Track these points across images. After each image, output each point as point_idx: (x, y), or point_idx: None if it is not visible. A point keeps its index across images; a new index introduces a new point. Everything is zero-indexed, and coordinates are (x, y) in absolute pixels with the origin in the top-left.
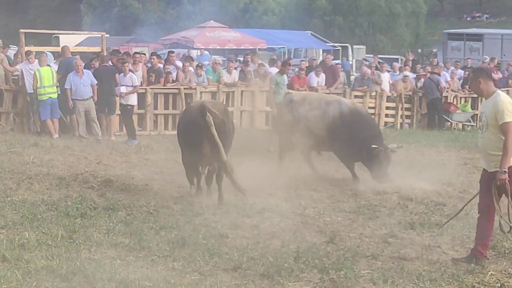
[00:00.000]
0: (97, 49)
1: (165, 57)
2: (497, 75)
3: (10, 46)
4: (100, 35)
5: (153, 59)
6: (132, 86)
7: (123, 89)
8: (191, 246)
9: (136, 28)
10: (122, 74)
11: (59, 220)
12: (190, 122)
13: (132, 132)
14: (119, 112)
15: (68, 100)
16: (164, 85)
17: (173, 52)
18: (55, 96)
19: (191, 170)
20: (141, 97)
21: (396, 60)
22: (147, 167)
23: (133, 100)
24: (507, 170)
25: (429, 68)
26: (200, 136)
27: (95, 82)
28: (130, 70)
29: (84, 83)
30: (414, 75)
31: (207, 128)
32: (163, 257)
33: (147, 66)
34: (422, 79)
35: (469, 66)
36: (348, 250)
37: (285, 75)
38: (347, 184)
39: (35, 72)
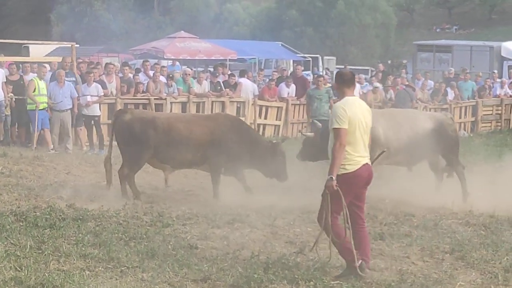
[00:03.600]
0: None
1: (136, 67)
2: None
3: None
4: (70, 45)
5: (125, 69)
6: (97, 96)
7: (89, 99)
8: (160, 257)
9: (106, 38)
10: (86, 84)
11: (27, 231)
12: None
13: (101, 143)
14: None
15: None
16: (134, 96)
17: (147, 61)
18: (32, 107)
19: None
20: (112, 108)
21: (366, 71)
22: (116, 177)
23: (96, 110)
24: (333, 177)
25: (399, 80)
26: None
27: (76, 95)
28: (96, 81)
29: (64, 94)
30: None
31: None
32: (132, 268)
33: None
34: (391, 91)
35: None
36: (318, 261)
37: (323, 89)
38: (318, 194)
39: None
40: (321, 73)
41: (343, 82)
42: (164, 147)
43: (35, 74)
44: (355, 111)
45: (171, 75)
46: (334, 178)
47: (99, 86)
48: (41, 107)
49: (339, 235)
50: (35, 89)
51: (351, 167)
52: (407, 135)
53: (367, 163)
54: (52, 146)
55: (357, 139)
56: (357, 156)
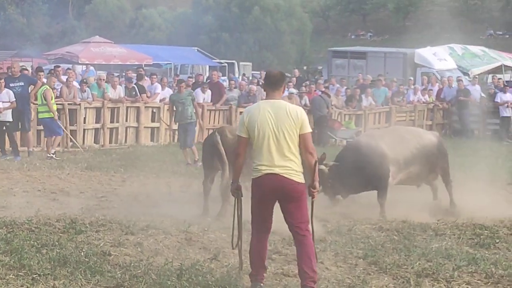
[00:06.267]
0: None
1: (51, 72)
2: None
3: None
4: None
5: (40, 75)
6: (9, 102)
7: (0, 105)
8: (72, 264)
9: (20, 43)
10: None
11: None
12: (206, 140)
13: (15, 149)
14: None
15: None
16: None
17: (59, 66)
18: (42, 116)
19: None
20: None
21: None
22: (29, 183)
23: (8, 116)
24: (233, 182)
25: (313, 87)
26: (210, 152)
27: None
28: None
29: None
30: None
31: (215, 146)
32: (44, 276)
33: None
34: (306, 97)
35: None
36: (232, 267)
37: (185, 92)
38: (231, 200)
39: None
40: (236, 78)
41: (267, 84)
42: None
43: None
44: (256, 118)
45: (84, 80)
46: (234, 183)
47: (11, 92)
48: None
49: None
50: (52, 97)
51: (255, 173)
52: (414, 146)
53: (274, 174)
54: (53, 151)
55: (259, 147)
56: (258, 164)
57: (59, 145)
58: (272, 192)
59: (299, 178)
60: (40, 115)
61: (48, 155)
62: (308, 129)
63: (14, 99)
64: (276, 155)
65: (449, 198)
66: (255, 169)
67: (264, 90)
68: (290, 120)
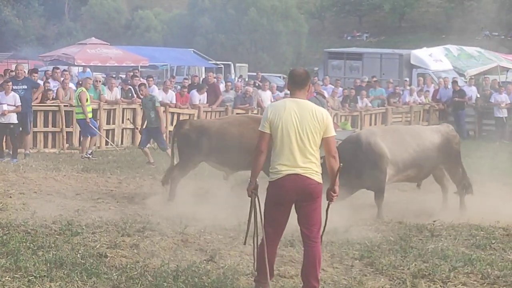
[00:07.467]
0: None
1: (46, 74)
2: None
3: None
4: None
5: (34, 76)
6: (14, 105)
7: (5, 107)
8: (69, 266)
9: (16, 45)
10: (4, 92)
11: None
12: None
13: (15, 151)
14: None
15: None
16: (43, 102)
17: (58, 68)
18: (78, 117)
19: None
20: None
21: (278, 78)
22: (25, 185)
23: (14, 118)
24: (251, 182)
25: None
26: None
27: None
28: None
29: None
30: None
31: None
32: (40, 278)
33: None
34: None
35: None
36: (228, 268)
37: (148, 96)
38: (228, 201)
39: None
40: (233, 79)
41: (292, 83)
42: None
43: None
44: (281, 116)
45: (80, 82)
46: (252, 182)
47: (17, 96)
48: (90, 116)
49: (261, 244)
50: (87, 99)
51: (274, 175)
52: (413, 150)
53: (296, 174)
54: (90, 151)
55: (281, 146)
56: (278, 164)
57: (59, 145)
58: (293, 193)
59: (319, 178)
60: (76, 116)
61: (83, 155)
62: (333, 132)
63: (20, 103)
64: (298, 155)
65: (459, 200)
66: (274, 170)
67: (288, 89)
68: (315, 122)
